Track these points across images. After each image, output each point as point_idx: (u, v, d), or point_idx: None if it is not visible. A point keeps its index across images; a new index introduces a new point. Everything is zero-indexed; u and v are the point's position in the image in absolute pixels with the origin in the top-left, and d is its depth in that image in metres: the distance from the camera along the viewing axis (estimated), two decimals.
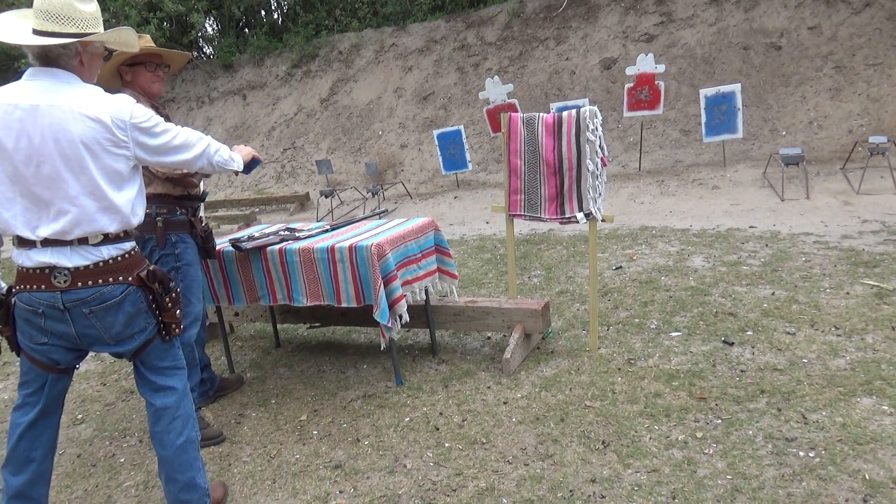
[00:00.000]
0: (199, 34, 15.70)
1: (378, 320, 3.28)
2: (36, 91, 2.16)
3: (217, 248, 3.64)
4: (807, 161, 7.51)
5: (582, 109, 3.53)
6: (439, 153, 9.96)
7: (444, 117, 12.30)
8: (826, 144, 8.66)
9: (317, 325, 4.47)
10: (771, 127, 9.35)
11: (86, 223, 2.18)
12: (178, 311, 2.44)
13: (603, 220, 3.64)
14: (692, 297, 4.32)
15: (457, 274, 3.88)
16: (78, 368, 2.52)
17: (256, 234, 3.92)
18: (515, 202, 3.78)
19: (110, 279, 2.24)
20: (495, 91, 9.37)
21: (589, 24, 12.49)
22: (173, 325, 2.44)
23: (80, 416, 3.76)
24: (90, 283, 2.21)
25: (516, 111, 9.31)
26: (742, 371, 3.25)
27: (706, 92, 8.42)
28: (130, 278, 2.29)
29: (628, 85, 8.76)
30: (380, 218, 4.23)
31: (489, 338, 4.10)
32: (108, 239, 2.24)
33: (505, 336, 3.94)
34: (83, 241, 2.20)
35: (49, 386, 2.40)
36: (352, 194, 10.86)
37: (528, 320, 3.66)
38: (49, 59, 2.19)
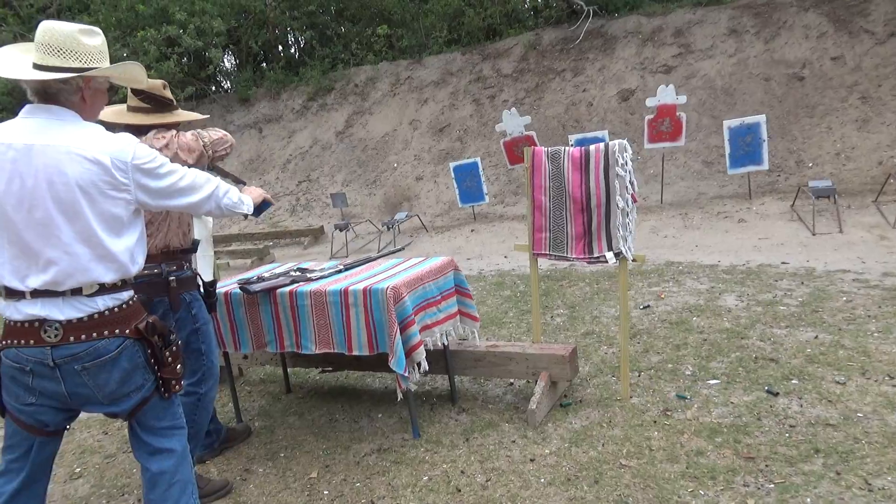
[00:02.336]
0: (217, 69, 15.81)
1: (394, 369, 3.05)
2: (32, 130, 2.00)
3: (225, 289, 3.45)
4: (837, 194, 7.25)
5: (611, 143, 3.33)
6: (455, 185, 9.80)
7: (459, 149, 12.19)
8: (855, 176, 8.39)
9: (329, 369, 4.24)
10: (797, 158, 9.11)
11: (80, 273, 2.00)
12: (178, 367, 2.23)
13: (634, 261, 3.41)
14: (728, 341, 4.05)
15: (478, 317, 3.65)
16: (69, 429, 2.31)
17: (266, 275, 3.73)
18: (540, 241, 3.56)
19: (105, 332, 2.04)
20: (512, 123, 9.22)
21: (606, 56, 12.40)
22: (173, 382, 2.22)
23: (78, 470, 3.54)
24: (83, 336, 2.01)
25: (534, 143, 9.15)
26: (791, 426, 2.97)
27: (730, 123, 8.21)
28: (128, 331, 2.09)
29: (649, 117, 8.58)
30: (395, 256, 4.02)
31: (512, 384, 3.85)
32: (103, 289, 2.05)
33: (529, 383, 3.69)
34: (76, 291, 2.01)
35: (36, 450, 2.19)
36: (366, 227, 10.70)
37: (554, 367, 3.41)
38: (48, 95, 2.03)
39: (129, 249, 2.10)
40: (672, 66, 11.72)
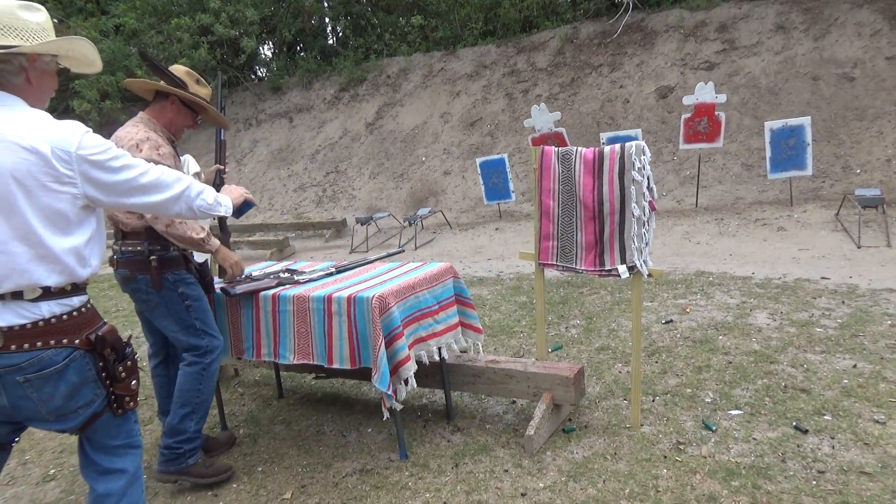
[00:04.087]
0: (252, 57, 15.73)
1: (377, 387, 2.79)
2: None
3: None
4: (886, 203, 6.74)
5: (627, 145, 3.00)
6: (482, 182, 9.49)
7: (490, 144, 11.87)
8: None
9: (322, 375, 4.00)
10: (843, 164, 8.56)
11: (16, 275, 1.78)
12: (132, 383, 2.00)
13: (650, 276, 3.08)
14: (755, 365, 3.68)
15: (481, 328, 3.37)
16: (17, 442, 2.11)
17: (256, 274, 3.50)
18: (546, 249, 3.25)
19: (52, 342, 1.83)
20: (541, 119, 8.87)
21: (645, 51, 11.92)
22: (127, 399, 2.00)
23: (52, 472, 3.37)
24: (26, 346, 1.80)
25: (563, 141, 8.80)
26: (820, 472, 2.62)
27: (772, 125, 7.73)
28: (77, 341, 1.87)
29: (685, 115, 8.15)
30: (392, 260, 3.76)
31: (514, 402, 3.56)
32: (49, 293, 1.83)
33: (532, 402, 3.39)
34: (17, 295, 1.80)
35: None
36: (389, 222, 10.47)
37: (557, 389, 3.11)
38: None
39: (75, 250, 1.87)
40: (715, 63, 11.20)
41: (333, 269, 3.36)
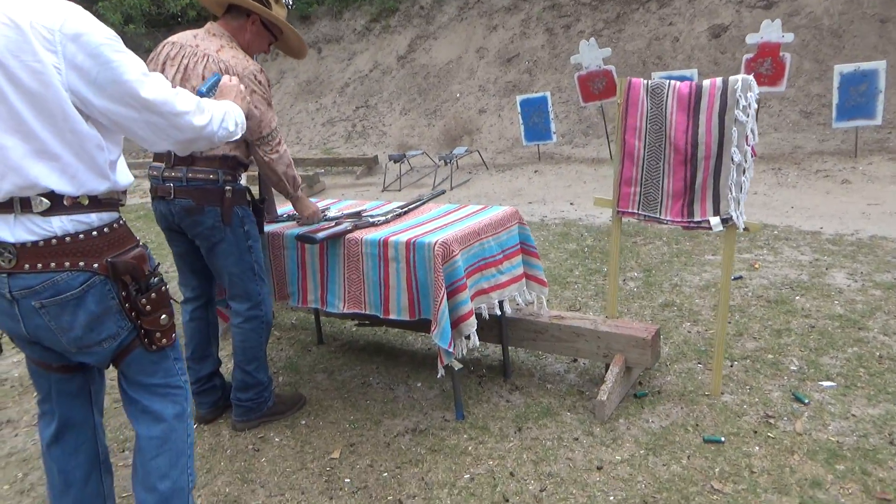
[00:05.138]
0: None
1: (436, 342, 2.51)
2: None
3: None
4: None
5: (731, 79, 2.60)
6: (521, 121, 9.02)
7: (528, 82, 11.31)
8: None
9: (366, 323, 3.74)
10: None
11: (13, 174, 1.50)
12: (163, 317, 1.73)
13: (746, 230, 2.73)
14: (842, 331, 3.35)
15: (546, 280, 3.06)
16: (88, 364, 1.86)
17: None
18: (627, 196, 2.89)
19: (66, 263, 1.57)
20: (590, 55, 8.32)
21: None
22: (158, 334, 1.74)
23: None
24: (39, 266, 1.55)
25: (612, 80, 8.28)
26: None
27: (842, 68, 7.14)
28: (96, 265, 1.61)
29: (747, 56, 7.57)
30: (445, 201, 3.42)
31: (575, 361, 3.28)
32: (60, 207, 1.55)
33: (596, 363, 3.11)
34: (27, 206, 1.53)
35: (55, 389, 1.81)
36: (422, 160, 10.08)
37: (632, 351, 2.81)
38: None
39: (83, 151, 1.56)
40: (773, 1, 10.45)
41: (399, 210, 3.03)
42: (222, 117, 1.77)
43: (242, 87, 2.10)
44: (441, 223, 2.80)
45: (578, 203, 6.92)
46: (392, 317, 2.65)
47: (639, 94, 2.78)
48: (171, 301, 1.78)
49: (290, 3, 15.67)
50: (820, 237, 5.00)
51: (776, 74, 7.44)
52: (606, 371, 2.89)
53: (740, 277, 4.20)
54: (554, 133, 8.87)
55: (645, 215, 2.87)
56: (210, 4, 2.65)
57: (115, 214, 1.67)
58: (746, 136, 2.61)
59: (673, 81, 2.73)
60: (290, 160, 2.67)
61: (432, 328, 2.52)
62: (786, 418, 2.63)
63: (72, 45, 1.47)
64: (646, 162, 2.81)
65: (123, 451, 2.84)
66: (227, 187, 2.52)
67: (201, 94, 1.85)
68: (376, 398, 3.07)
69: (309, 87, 13.81)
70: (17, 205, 1.52)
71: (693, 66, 9.96)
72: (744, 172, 2.65)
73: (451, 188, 8.45)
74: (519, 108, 8.99)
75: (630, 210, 2.90)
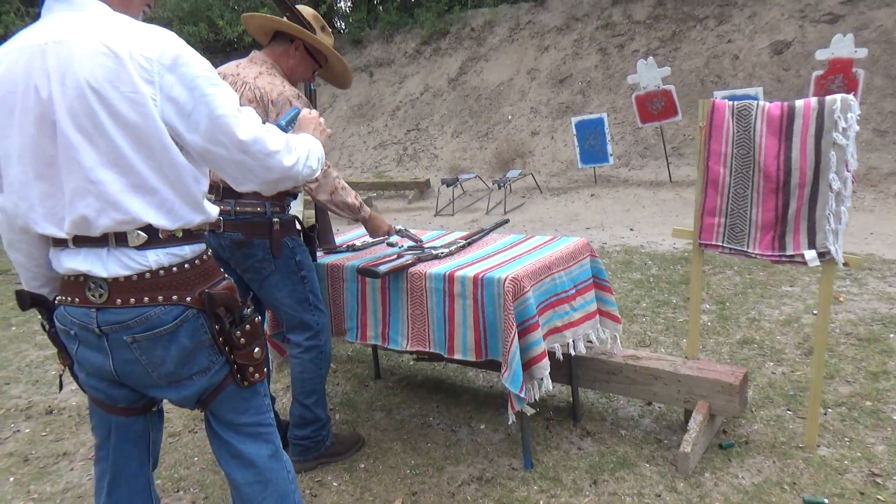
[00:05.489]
0: (331, 8, 15.30)
1: (507, 387, 2.33)
2: (49, 27, 1.43)
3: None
4: None
5: (829, 99, 2.38)
6: (576, 143, 8.82)
7: (581, 103, 11.11)
8: None
9: (424, 357, 3.58)
10: None
11: (112, 209, 1.42)
12: (256, 350, 1.63)
13: (845, 265, 2.48)
14: None
15: (619, 317, 2.85)
16: (157, 409, 1.77)
17: (358, 243, 3.08)
18: (711, 227, 2.68)
19: (160, 297, 1.49)
20: (648, 75, 8.09)
21: (758, 2, 10.82)
22: (251, 369, 1.64)
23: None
24: (132, 300, 1.47)
25: (672, 99, 8.02)
26: None
27: None
28: (189, 298, 1.52)
29: (817, 72, 7.23)
30: (511, 232, 3.26)
31: (650, 404, 3.05)
32: (156, 240, 1.48)
33: (674, 410, 2.87)
34: (121, 240, 1.46)
35: (115, 434, 1.71)
36: (475, 184, 9.95)
37: (717, 397, 2.57)
38: None
39: (180, 183, 1.49)
40: (839, 15, 10.05)
41: (463, 241, 2.88)
42: (307, 155, 1.64)
43: (322, 120, 1.99)
44: (509, 256, 2.63)
45: (639, 228, 6.66)
46: (458, 356, 2.49)
47: (723, 117, 2.58)
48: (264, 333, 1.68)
49: (343, 28, 15.89)
50: None
51: (849, 91, 7.06)
52: (686, 417, 2.67)
53: None
54: (611, 155, 8.64)
55: (730, 248, 2.65)
56: (256, 33, 2.62)
57: (203, 245, 1.60)
58: (846, 162, 2.38)
59: (762, 102, 2.52)
60: (333, 186, 2.52)
61: (502, 370, 2.34)
62: (895, 477, 2.35)
63: (169, 75, 1.40)
64: (732, 190, 2.60)
65: (178, 490, 2.73)
66: (276, 219, 2.44)
67: (280, 128, 1.74)
68: (438, 441, 2.90)
69: (361, 110, 13.90)
70: (112, 239, 1.46)
71: (755, 83, 9.61)
72: (842, 201, 2.41)
73: (505, 212, 8.29)
74: (574, 130, 8.80)
75: (714, 242, 2.68)
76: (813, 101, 2.42)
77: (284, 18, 2.52)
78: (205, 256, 1.59)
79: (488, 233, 3.11)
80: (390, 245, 2.94)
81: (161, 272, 1.49)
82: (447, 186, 8.90)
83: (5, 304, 5.88)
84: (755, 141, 2.52)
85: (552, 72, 11.96)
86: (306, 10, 2.59)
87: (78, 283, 1.50)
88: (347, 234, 3.42)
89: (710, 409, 2.58)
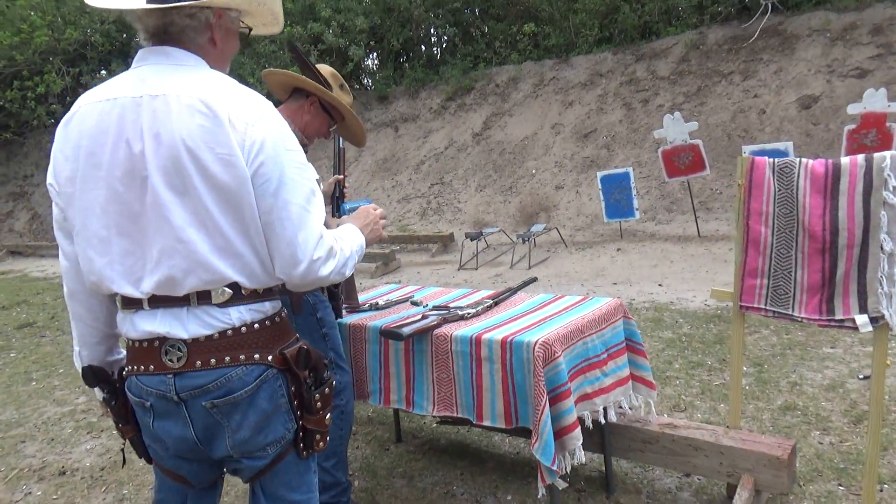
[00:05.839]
0: (358, 66, 15.65)
1: (538, 458, 2.18)
2: (143, 78, 1.41)
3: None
4: None
5: (878, 156, 2.27)
6: (602, 198, 8.75)
7: (606, 157, 11.08)
8: None
9: (448, 420, 3.43)
10: None
11: (200, 269, 1.38)
12: (328, 416, 1.55)
13: None
14: None
15: (654, 383, 2.70)
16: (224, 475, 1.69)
17: (381, 302, 2.98)
18: (752, 289, 2.54)
19: (241, 357, 1.42)
20: (675, 129, 8.05)
21: (784, 57, 10.82)
22: (318, 437, 1.55)
23: (125, 493, 2.96)
24: (213, 361, 1.40)
25: (700, 153, 7.95)
26: None
27: None
28: (270, 357, 1.46)
29: (849, 126, 7.12)
30: (540, 291, 3.14)
31: (689, 475, 2.86)
32: (239, 297, 1.42)
33: (715, 483, 2.68)
34: (204, 297, 1.40)
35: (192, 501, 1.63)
36: (499, 238, 9.88)
37: (763, 471, 2.39)
38: (168, 35, 1.44)
39: (260, 247, 1.44)
40: (868, 70, 10.00)
41: (490, 301, 2.77)
42: (344, 263, 1.53)
43: (382, 220, 1.86)
44: (538, 318, 2.51)
45: (668, 284, 6.50)
46: (486, 423, 2.35)
47: (764, 174, 2.47)
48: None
49: (370, 84, 16.22)
50: None
51: (883, 145, 6.93)
52: (729, 491, 2.49)
53: (868, 377, 3.68)
54: (637, 209, 8.54)
55: (774, 311, 2.50)
56: (276, 89, 2.63)
57: (279, 303, 1.54)
58: None
59: (804, 160, 2.41)
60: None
61: (532, 440, 2.20)
62: None
63: (258, 145, 1.37)
64: (774, 251, 2.47)
65: None
66: None
67: (343, 213, 1.69)
68: None
69: (385, 164, 14.03)
70: (194, 298, 1.39)
71: (783, 138, 9.52)
72: (895, 263, 2.27)
73: (530, 266, 8.17)
74: (600, 185, 8.74)
75: (756, 305, 2.54)
76: (859, 158, 2.31)
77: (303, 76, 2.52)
78: (282, 314, 1.54)
79: (515, 291, 3.00)
80: (414, 304, 2.85)
81: (243, 329, 1.43)
82: (471, 240, 8.83)
83: (28, 357, 5.86)
84: (798, 199, 2.40)
85: (576, 126, 12.00)
86: (325, 69, 2.62)
87: (152, 349, 1.42)
88: (371, 291, 3.33)
89: (756, 484, 2.40)
